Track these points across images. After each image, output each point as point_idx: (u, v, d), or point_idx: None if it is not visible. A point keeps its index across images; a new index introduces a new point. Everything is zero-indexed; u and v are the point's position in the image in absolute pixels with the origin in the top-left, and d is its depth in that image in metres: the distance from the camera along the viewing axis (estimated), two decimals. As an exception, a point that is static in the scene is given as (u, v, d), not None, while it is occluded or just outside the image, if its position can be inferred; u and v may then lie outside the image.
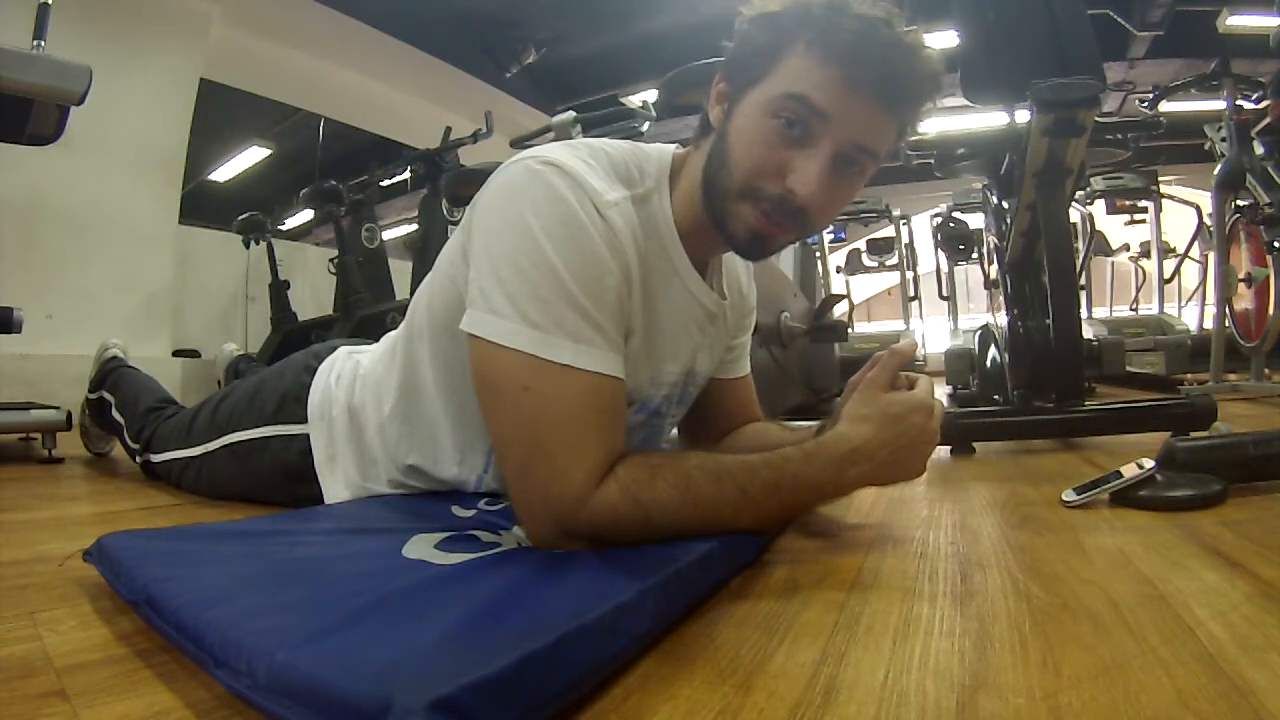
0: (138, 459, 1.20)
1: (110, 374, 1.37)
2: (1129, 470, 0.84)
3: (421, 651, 0.37)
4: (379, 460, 0.86)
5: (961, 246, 4.22)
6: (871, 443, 0.64)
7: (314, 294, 3.79)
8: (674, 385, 0.82)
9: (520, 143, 2.31)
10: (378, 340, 0.98)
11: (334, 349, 0.99)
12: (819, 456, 0.64)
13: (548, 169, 0.64)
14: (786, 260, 3.28)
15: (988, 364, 2.30)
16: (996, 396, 2.04)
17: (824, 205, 0.68)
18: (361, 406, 0.88)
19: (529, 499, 0.61)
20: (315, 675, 0.36)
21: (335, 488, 0.88)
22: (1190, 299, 4.84)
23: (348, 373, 0.93)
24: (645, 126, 2.04)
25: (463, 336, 0.65)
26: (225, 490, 1.03)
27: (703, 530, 0.60)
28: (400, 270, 3.50)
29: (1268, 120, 2.35)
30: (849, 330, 2.68)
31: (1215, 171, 2.49)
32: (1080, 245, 3.58)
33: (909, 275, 5.13)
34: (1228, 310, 2.58)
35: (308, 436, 0.91)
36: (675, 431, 0.99)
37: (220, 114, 4.34)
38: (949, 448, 1.37)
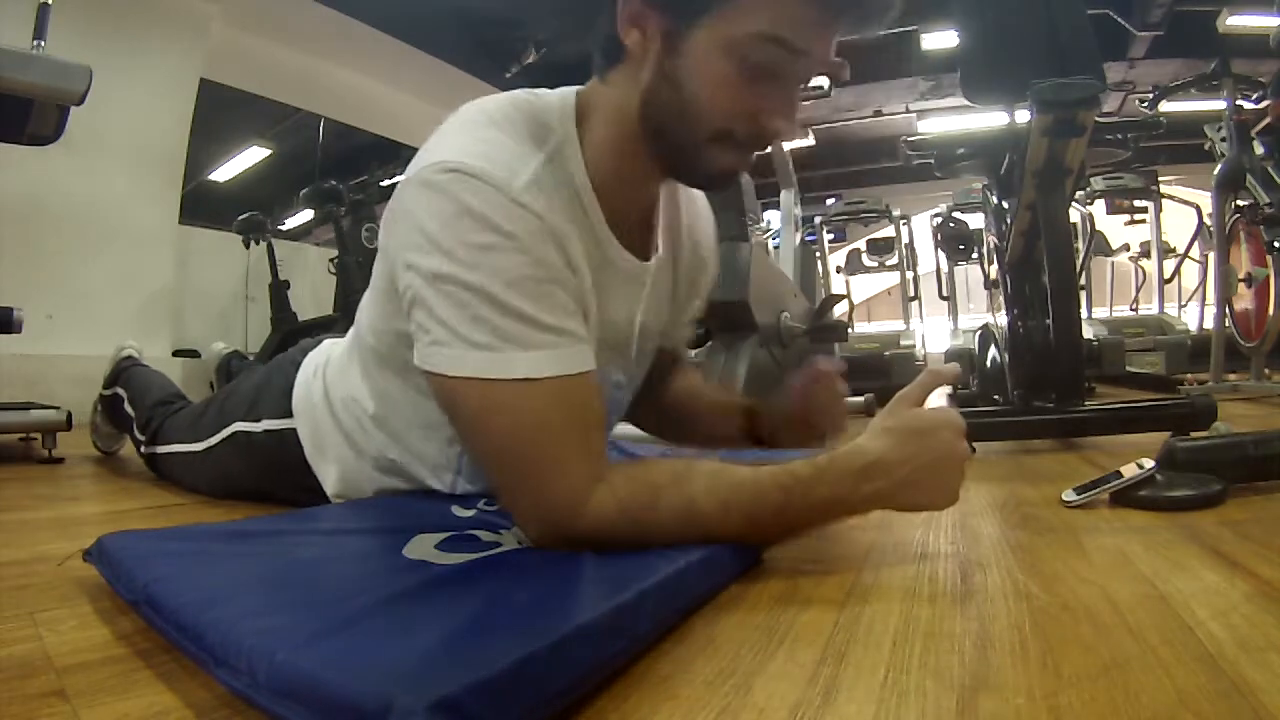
0: (143, 450, 1.21)
1: (124, 371, 1.38)
2: (1129, 470, 0.84)
3: (423, 652, 0.37)
4: (362, 447, 0.86)
5: (961, 246, 4.23)
6: (890, 456, 0.60)
7: (314, 294, 3.79)
8: (622, 345, 0.78)
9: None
10: None
11: (320, 343, 0.99)
12: (831, 471, 0.60)
13: (447, 178, 0.59)
14: (786, 260, 3.28)
15: (988, 364, 2.30)
16: (996, 396, 2.04)
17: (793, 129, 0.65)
18: (335, 397, 0.88)
19: (522, 517, 0.61)
20: (316, 675, 0.36)
21: (329, 476, 0.88)
22: (1190, 299, 4.84)
23: (322, 366, 0.93)
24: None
25: (392, 354, 0.66)
26: (227, 485, 1.03)
27: (708, 538, 0.59)
28: (400, 270, 3.49)
29: (1268, 120, 2.35)
30: (849, 330, 2.68)
31: (1215, 171, 2.49)
32: (1080, 245, 3.58)
33: (909, 275, 5.13)
34: (1228, 310, 2.58)
35: (294, 430, 0.91)
36: None
37: (220, 114, 4.34)
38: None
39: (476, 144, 0.61)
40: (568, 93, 0.69)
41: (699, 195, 0.88)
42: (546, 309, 0.59)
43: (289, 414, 0.92)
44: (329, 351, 0.95)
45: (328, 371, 0.91)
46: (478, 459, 0.62)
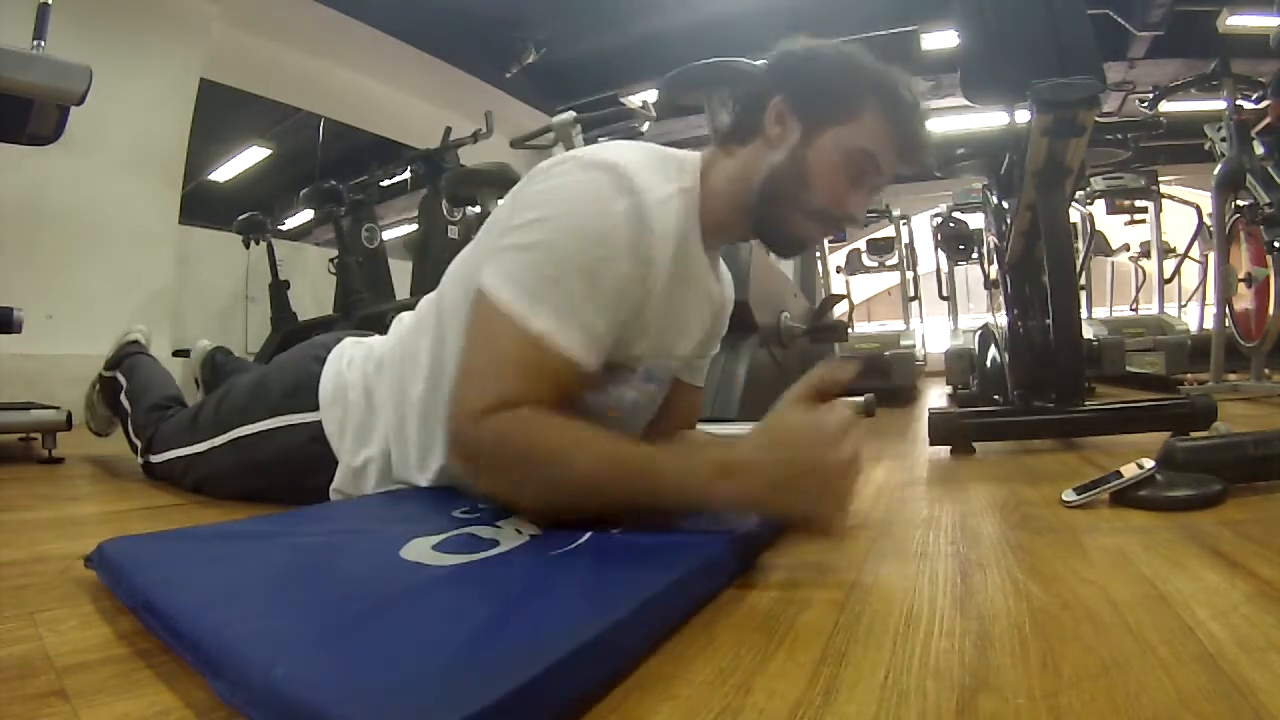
0: (139, 459, 1.20)
1: (128, 357, 1.39)
2: (1129, 470, 0.85)
3: (420, 675, 0.37)
4: (396, 437, 0.87)
5: (961, 246, 4.23)
6: (755, 458, 0.60)
7: (314, 294, 3.79)
8: (676, 365, 0.92)
9: (520, 143, 2.31)
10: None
11: (340, 339, 1.00)
12: (690, 458, 0.63)
13: (598, 170, 0.72)
14: (787, 260, 3.28)
15: (988, 364, 2.30)
16: (996, 396, 2.04)
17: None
18: (378, 388, 0.90)
19: (449, 403, 0.69)
20: (311, 699, 0.35)
21: (347, 456, 0.90)
22: (1190, 299, 4.84)
23: (359, 358, 0.94)
24: (645, 126, 2.04)
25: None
26: (227, 487, 1.03)
27: (562, 495, 0.64)
28: (400, 270, 3.49)
29: (1268, 120, 2.35)
30: (849, 330, 2.68)
31: (1215, 171, 2.49)
32: (1080, 245, 3.58)
33: (909, 275, 5.13)
34: (1228, 310, 2.58)
35: (317, 424, 0.92)
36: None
37: (220, 114, 4.34)
38: (949, 448, 1.37)
39: (629, 159, 0.74)
40: (695, 154, 0.86)
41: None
42: (594, 304, 0.70)
43: (308, 408, 0.93)
44: (364, 345, 0.97)
45: (368, 367, 0.93)
46: (458, 364, 0.71)
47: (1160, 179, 4.37)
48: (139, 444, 1.20)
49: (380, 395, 0.89)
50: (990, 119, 1.78)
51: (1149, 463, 0.85)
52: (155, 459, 1.14)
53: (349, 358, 0.95)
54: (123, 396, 1.30)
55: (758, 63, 0.87)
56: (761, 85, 0.83)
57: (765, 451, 0.60)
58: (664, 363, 0.87)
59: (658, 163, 0.79)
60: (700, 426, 1.04)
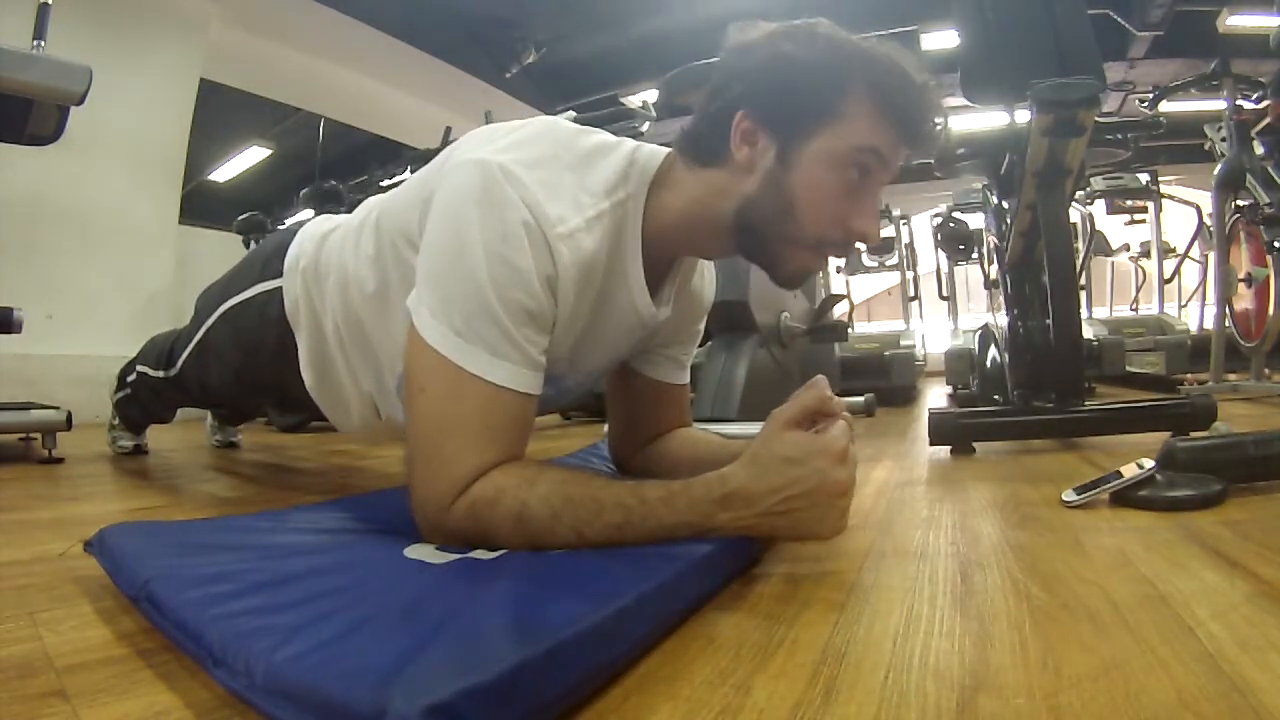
0: (128, 378, 1.30)
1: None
2: (1129, 470, 0.85)
3: (418, 656, 0.37)
4: (331, 314, 0.90)
5: (961, 246, 4.22)
6: (753, 487, 0.59)
7: (314, 294, 3.78)
8: (591, 374, 0.85)
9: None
10: None
11: (311, 222, 1.03)
12: (682, 498, 0.59)
13: (508, 189, 0.63)
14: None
15: (988, 364, 2.30)
16: (996, 396, 2.04)
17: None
18: (327, 271, 0.91)
19: (412, 492, 0.64)
20: (312, 678, 0.36)
21: (299, 336, 0.93)
22: (1190, 299, 4.84)
23: (320, 234, 0.96)
24: (645, 126, 2.04)
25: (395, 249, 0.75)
26: (228, 362, 1.07)
27: (556, 547, 0.59)
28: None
29: (1268, 120, 2.34)
30: (849, 330, 2.68)
31: (1215, 171, 2.49)
32: (1080, 245, 3.57)
33: (909, 275, 5.12)
34: (1228, 310, 2.58)
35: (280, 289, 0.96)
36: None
37: (220, 114, 4.34)
38: (949, 448, 1.37)
39: (541, 179, 0.66)
40: (655, 156, 0.74)
41: (710, 265, 0.94)
42: (522, 329, 0.64)
43: (278, 274, 0.96)
44: (332, 222, 0.98)
45: (325, 244, 0.93)
46: (406, 425, 0.65)
47: (1160, 179, 4.37)
48: (160, 372, 1.24)
49: (327, 283, 0.90)
50: (990, 119, 1.77)
51: (1149, 463, 0.85)
52: (171, 372, 1.19)
53: (312, 233, 0.97)
54: (129, 375, 1.35)
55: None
56: (725, 94, 0.71)
57: (761, 482, 0.59)
58: (576, 377, 0.83)
59: (583, 176, 0.69)
60: (701, 426, 1.03)
